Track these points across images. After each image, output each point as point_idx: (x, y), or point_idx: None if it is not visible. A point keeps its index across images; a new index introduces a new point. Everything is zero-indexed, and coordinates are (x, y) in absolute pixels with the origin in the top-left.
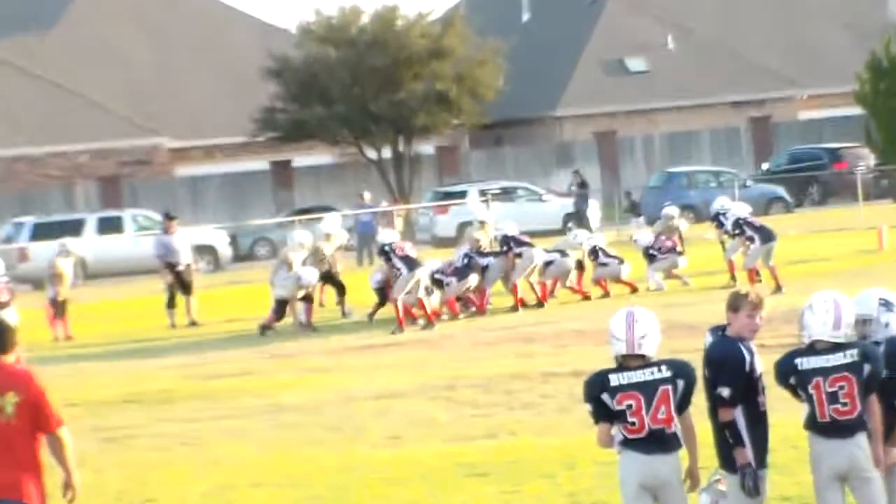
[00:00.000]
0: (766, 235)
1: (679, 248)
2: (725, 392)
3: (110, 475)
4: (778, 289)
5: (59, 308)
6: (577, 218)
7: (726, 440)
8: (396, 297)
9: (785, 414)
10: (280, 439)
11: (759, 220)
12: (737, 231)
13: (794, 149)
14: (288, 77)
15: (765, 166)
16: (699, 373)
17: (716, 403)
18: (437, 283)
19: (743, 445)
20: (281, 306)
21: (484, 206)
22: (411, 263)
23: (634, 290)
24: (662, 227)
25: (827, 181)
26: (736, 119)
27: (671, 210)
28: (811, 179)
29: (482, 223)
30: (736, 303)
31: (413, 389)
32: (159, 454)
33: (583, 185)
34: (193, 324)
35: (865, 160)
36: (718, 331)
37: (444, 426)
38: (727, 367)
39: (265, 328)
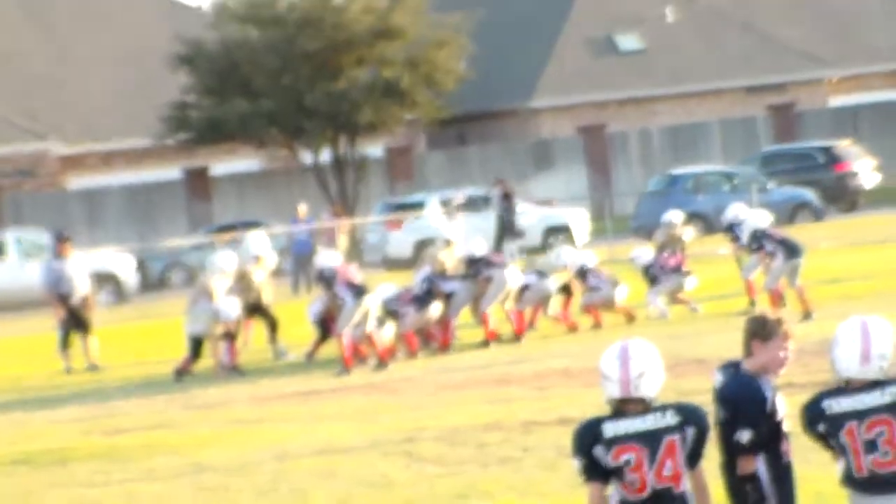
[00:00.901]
0: (791, 250)
1: (685, 267)
2: (746, 437)
3: None
4: (807, 314)
5: None
6: (506, 229)
7: (745, 500)
8: (341, 332)
9: (817, 467)
10: None
11: (782, 232)
12: (755, 245)
13: (770, 150)
14: (201, 65)
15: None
16: (712, 419)
17: (734, 453)
18: (392, 314)
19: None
20: (196, 345)
21: (447, 220)
22: (358, 290)
23: (632, 318)
24: (664, 238)
25: (828, 186)
26: (752, 107)
27: (673, 216)
28: (810, 183)
29: (447, 241)
30: (765, 330)
31: (364, 444)
32: None
33: (507, 196)
34: (93, 367)
35: (861, 159)
36: (731, 368)
37: (403, 488)
38: (747, 406)
39: (181, 373)
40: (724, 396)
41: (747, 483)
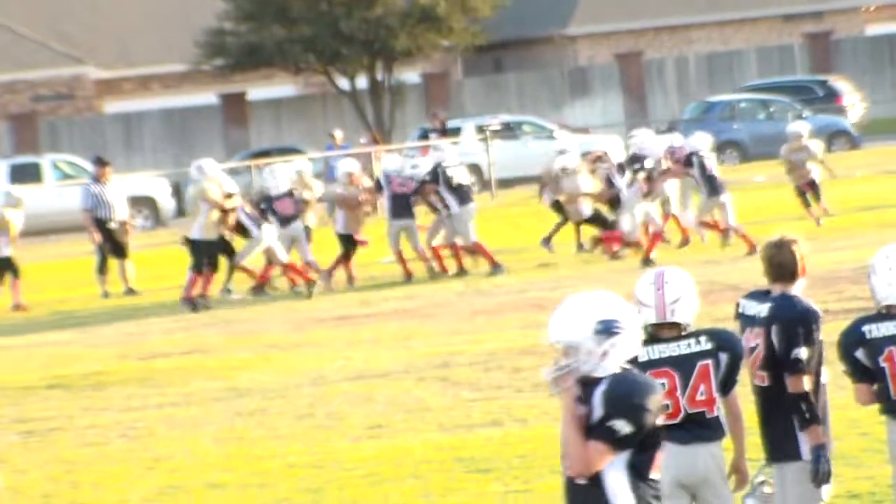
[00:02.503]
0: (714, 188)
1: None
2: (804, 354)
3: (34, 476)
4: (752, 251)
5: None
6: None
7: (779, 424)
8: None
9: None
10: (239, 431)
11: (712, 168)
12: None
13: (761, 83)
14: None
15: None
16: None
17: (788, 372)
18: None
19: (818, 422)
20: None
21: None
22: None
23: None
24: (789, 149)
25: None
26: (788, 35)
27: (799, 126)
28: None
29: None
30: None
31: (399, 369)
32: (92, 450)
33: (444, 131)
34: (130, 292)
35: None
36: (761, 295)
37: (438, 413)
38: (806, 324)
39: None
40: (783, 316)
41: (802, 402)
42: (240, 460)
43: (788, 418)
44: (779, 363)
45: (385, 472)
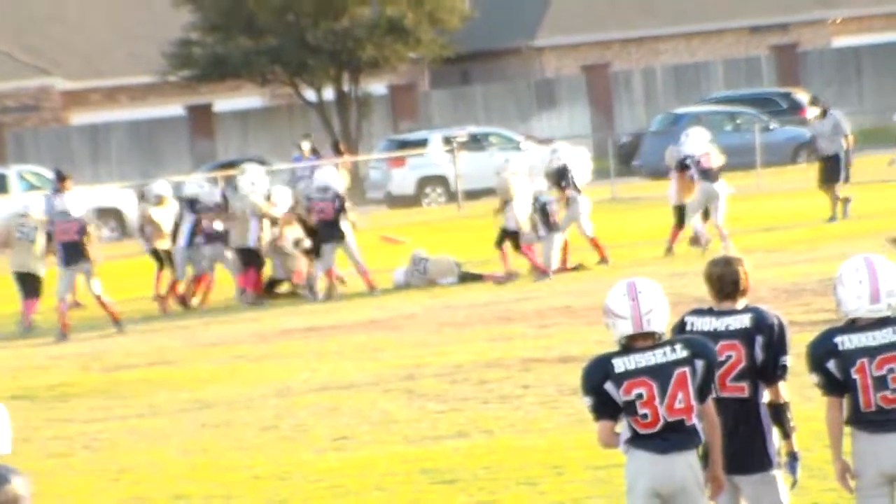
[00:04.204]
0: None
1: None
2: (790, 361)
3: None
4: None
5: None
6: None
7: (756, 435)
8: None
9: (817, 404)
10: (205, 442)
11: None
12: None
13: (725, 94)
14: (205, 2)
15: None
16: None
17: (775, 379)
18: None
19: (794, 430)
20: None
21: (449, 158)
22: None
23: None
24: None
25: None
26: (755, 47)
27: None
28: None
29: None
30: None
31: (365, 381)
32: (56, 461)
33: (315, 151)
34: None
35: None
36: (705, 311)
37: (404, 425)
38: (787, 333)
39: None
40: (768, 325)
41: (786, 410)
42: (205, 472)
43: (759, 429)
44: (759, 373)
45: (350, 483)
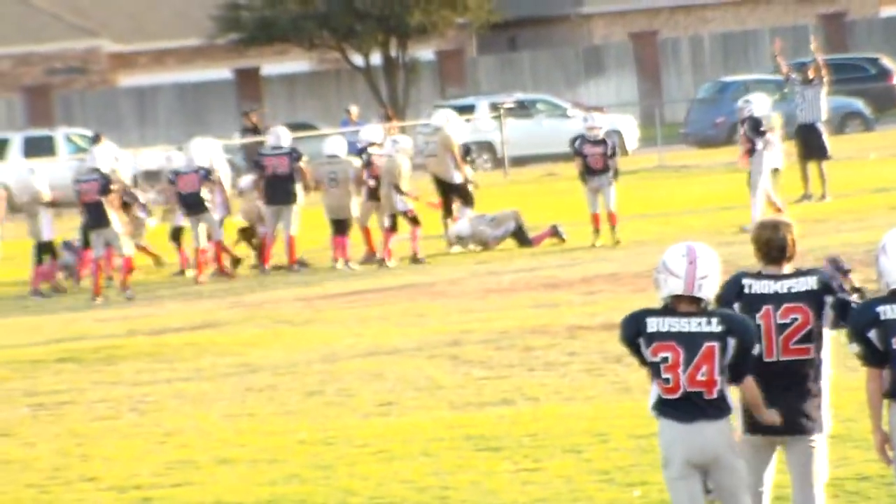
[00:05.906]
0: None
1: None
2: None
3: (43, 448)
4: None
5: None
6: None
7: (817, 396)
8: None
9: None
10: (250, 407)
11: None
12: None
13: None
14: None
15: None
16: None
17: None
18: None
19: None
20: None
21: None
22: None
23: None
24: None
25: (878, 96)
26: (803, 16)
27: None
28: (859, 94)
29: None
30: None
31: (410, 346)
32: (102, 424)
33: (255, 130)
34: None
35: None
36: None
37: (449, 391)
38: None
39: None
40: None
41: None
42: (250, 436)
43: (815, 391)
44: (820, 335)
45: (395, 449)
